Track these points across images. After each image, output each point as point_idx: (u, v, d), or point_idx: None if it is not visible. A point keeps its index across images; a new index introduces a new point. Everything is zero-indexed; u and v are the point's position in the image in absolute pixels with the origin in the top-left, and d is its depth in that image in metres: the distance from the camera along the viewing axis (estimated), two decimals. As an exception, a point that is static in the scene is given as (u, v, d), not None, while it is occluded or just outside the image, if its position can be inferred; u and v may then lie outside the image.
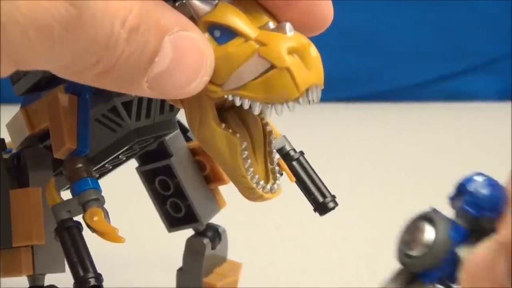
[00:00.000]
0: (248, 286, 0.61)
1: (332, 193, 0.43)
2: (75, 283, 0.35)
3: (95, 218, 0.36)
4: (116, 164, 0.45)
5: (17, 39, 0.26)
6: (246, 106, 0.31)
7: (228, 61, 0.31)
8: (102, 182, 0.45)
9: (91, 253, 0.37)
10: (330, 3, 0.33)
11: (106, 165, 0.44)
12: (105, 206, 0.37)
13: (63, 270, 0.41)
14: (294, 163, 0.43)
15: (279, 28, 0.31)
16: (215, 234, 0.50)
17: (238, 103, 0.31)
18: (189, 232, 0.50)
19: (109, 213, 0.37)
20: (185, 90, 0.30)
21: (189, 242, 0.50)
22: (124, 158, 0.44)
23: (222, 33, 0.31)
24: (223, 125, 0.33)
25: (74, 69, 0.29)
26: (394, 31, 1.17)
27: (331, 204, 0.43)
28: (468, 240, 0.31)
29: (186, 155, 0.47)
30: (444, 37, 1.18)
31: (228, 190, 0.83)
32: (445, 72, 1.20)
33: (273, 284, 0.63)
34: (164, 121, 0.43)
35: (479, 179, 0.33)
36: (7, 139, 0.44)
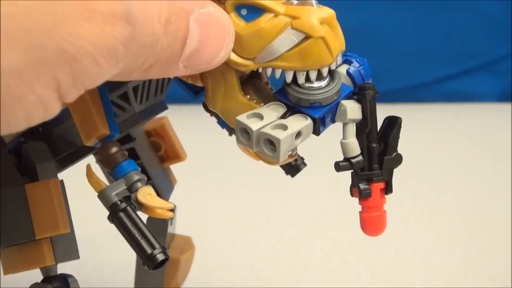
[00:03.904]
0: (248, 286, 0.61)
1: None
2: (144, 261, 0.36)
3: (148, 196, 0.37)
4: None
5: (88, 68, 0.28)
6: (278, 76, 0.35)
7: (260, 36, 0.34)
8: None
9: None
10: None
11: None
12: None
13: (78, 257, 0.42)
14: None
15: (306, 3, 0.34)
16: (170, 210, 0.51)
17: (269, 74, 0.35)
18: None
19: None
20: (215, 61, 0.34)
21: (150, 220, 0.50)
22: None
23: (249, 11, 0.34)
24: (248, 96, 0.36)
25: (125, 73, 0.31)
26: (395, 32, 1.17)
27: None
28: (350, 97, 0.36)
29: (144, 137, 0.49)
30: (445, 38, 1.18)
31: (228, 193, 0.83)
32: (446, 73, 1.20)
33: (274, 284, 0.63)
34: (157, 102, 0.44)
35: (360, 57, 0.38)
36: None
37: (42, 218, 0.40)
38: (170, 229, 0.51)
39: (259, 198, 0.80)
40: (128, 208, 0.37)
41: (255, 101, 0.36)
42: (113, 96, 0.41)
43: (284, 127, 0.34)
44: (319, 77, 0.35)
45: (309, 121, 0.35)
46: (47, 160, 0.42)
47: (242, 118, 0.34)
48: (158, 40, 0.31)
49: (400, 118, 0.37)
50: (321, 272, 0.65)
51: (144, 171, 0.47)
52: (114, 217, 0.37)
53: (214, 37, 0.33)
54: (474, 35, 1.17)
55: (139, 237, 0.37)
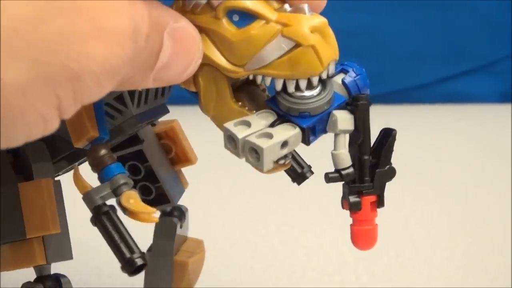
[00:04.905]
0: (249, 287, 0.61)
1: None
2: (122, 265, 0.36)
3: (132, 201, 0.37)
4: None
5: (91, 86, 0.28)
6: (267, 84, 0.34)
7: (250, 43, 0.33)
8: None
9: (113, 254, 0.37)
10: None
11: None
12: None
13: (71, 257, 0.42)
14: None
15: (299, 10, 0.33)
16: (181, 213, 0.51)
17: (259, 81, 0.34)
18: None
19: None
20: (183, 76, 0.33)
21: (160, 223, 0.50)
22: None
23: (241, 17, 0.34)
24: (240, 103, 0.35)
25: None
26: (395, 33, 1.17)
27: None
28: (340, 107, 0.35)
29: (154, 139, 0.49)
30: (445, 39, 1.18)
31: (229, 195, 0.83)
32: (446, 74, 1.20)
33: (274, 285, 0.63)
34: (157, 105, 0.44)
35: (359, 67, 0.38)
36: None
37: (33, 217, 0.40)
38: (180, 232, 0.51)
39: (259, 199, 0.80)
40: (111, 211, 0.37)
41: (247, 108, 0.35)
42: (109, 98, 0.41)
43: (270, 136, 0.34)
44: (310, 86, 0.34)
45: (297, 131, 0.34)
46: (44, 160, 0.42)
47: (229, 125, 0.34)
48: (141, 55, 0.30)
49: (395, 131, 0.37)
50: (321, 273, 0.65)
51: (152, 173, 0.47)
52: (96, 220, 0.37)
53: (184, 53, 0.33)
54: (474, 36, 1.18)
55: (119, 241, 0.37)
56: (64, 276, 0.42)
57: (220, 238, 0.71)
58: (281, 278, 0.64)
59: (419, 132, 1.04)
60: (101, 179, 0.38)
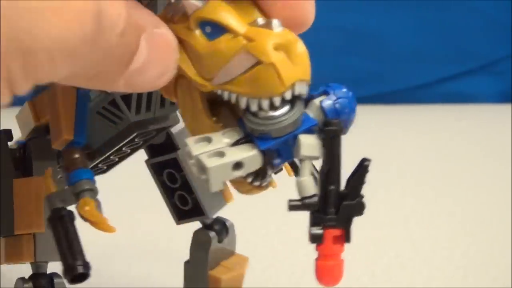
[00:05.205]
0: (249, 287, 0.61)
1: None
2: (63, 270, 0.36)
3: (86, 208, 0.37)
4: (122, 156, 0.45)
5: (44, 63, 0.27)
6: (233, 101, 0.32)
7: (217, 56, 0.31)
8: (108, 176, 0.46)
9: (82, 244, 0.37)
10: (312, 3, 0.33)
11: (111, 157, 0.44)
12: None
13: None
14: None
15: (267, 24, 0.31)
16: (222, 228, 0.50)
17: (226, 97, 0.32)
18: (196, 224, 0.50)
19: (102, 205, 0.38)
20: (156, 83, 0.32)
21: (196, 234, 0.50)
22: (129, 151, 0.45)
23: (213, 29, 0.32)
24: (214, 119, 0.33)
25: (71, 76, 0.29)
26: (395, 33, 1.17)
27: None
28: (312, 131, 0.33)
29: None
30: (445, 39, 1.18)
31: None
32: (446, 74, 1.20)
33: (274, 285, 0.63)
34: (165, 114, 0.43)
35: (345, 90, 0.34)
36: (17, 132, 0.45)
37: (22, 214, 0.40)
38: (220, 246, 0.50)
39: (259, 199, 0.80)
40: (66, 217, 0.37)
41: (221, 124, 0.33)
42: (104, 103, 0.41)
43: (222, 155, 0.31)
44: (274, 106, 0.31)
45: (254, 152, 0.32)
46: (46, 158, 0.42)
47: (190, 140, 0.32)
48: (110, 50, 0.29)
49: (368, 162, 0.34)
50: (321, 273, 0.65)
51: (187, 183, 0.47)
52: (49, 222, 0.37)
53: (160, 60, 0.31)
54: (474, 36, 1.18)
55: (65, 246, 0.37)
56: (59, 276, 0.41)
57: (220, 238, 0.71)
58: (281, 278, 0.64)
59: (419, 132, 1.03)
60: (67, 182, 0.38)
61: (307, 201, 0.33)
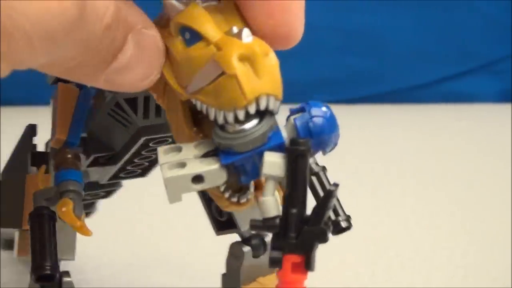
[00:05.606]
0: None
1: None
2: (31, 268, 0.36)
3: (63, 209, 0.37)
4: (150, 160, 0.44)
5: (23, 47, 0.26)
6: (204, 112, 0.31)
7: (190, 64, 0.31)
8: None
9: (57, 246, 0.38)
10: (301, 19, 0.32)
11: (136, 161, 0.43)
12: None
13: (73, 258, 0.42)
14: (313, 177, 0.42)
15: (238, 34, 0.30)
16: (260, 244, 0.48)
17: (199, 107, 0.31)
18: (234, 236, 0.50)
19: (81, 207, 0.38)
20: (138, 85, 0.31)
21: (231, 247, 0.49)
22: (153, 156, 0.43)
23: (191, 36, 0.31)
24: (195, 129, 0.32)
25: (49, 64, 0.28)
26: (395, 33, 1.17)
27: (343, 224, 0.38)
28: (280, 149, 0.31)
29: None
30: (445, 38, 1.18)
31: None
32: (446, 74, 1.20)
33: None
34: None
35: (324, 109, 0.32)
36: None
37: (30, 209, 0.40)
38: (258, 261, 0.49)
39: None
40: (46, 216, 0.37)
41: (201, 135, 0.32)
42: (111, 105, 0.40)
43: (183, 166, 0.30)
44: (239, 120, 0.30)
45: (216, 167, 0.31)
46: None
47: (161, 149, 0.31)
48: (93, 41, 0.28)
49: (335, 188, 0.31)
50: (321, 273, 0.65)
51: None
52: (29, 219, 0.37)
53: (145, 62, 0.31)
54: (474, 36, 1.17)
55: (37, 245, 0.37)
56: (67, 274, 0.41)
57: (219, 237, 0.71)
58: None
59: (419, 131, 1.03)
60: (54, 181, 0.38)
61: (267, 223, 0.31)
